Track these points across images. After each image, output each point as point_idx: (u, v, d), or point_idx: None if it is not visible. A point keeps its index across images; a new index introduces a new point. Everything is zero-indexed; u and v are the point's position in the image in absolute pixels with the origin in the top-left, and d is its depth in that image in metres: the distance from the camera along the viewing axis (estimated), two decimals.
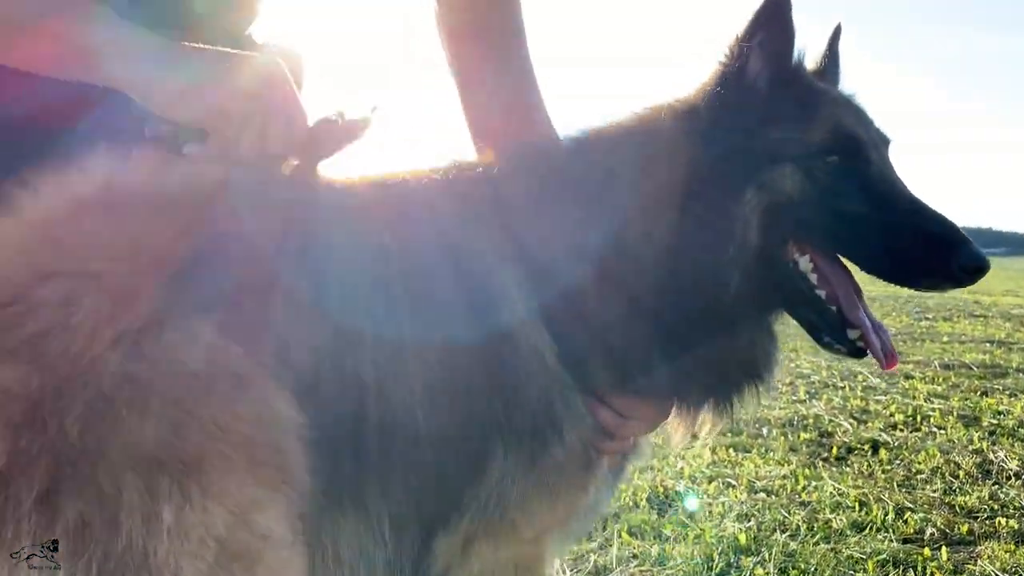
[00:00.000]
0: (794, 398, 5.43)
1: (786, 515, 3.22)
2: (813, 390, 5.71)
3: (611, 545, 2.91)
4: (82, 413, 0.84)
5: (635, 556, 2.84)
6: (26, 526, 0.82)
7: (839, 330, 1.21)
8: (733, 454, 4.10)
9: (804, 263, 1.21)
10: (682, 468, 3.81)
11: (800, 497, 3.45)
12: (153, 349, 0.90)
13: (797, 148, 1.20)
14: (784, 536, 3.00)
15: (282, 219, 1.12)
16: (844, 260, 1.25)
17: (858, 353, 1.22)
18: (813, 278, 1.22)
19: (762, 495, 3.47)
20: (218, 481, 0.88)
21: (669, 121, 1.29)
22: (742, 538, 2.95)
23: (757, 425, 4.75)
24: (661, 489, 3.49)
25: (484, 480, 1.21)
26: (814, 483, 3.63)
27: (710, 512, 3.27)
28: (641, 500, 3.36)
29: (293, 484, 0.95)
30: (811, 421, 4.80)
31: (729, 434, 4.50)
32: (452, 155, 1.36)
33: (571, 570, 2.72)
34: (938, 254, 1.15)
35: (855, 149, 1.22)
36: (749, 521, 3.16)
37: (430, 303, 1.16)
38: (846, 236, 1.20)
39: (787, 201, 1.19)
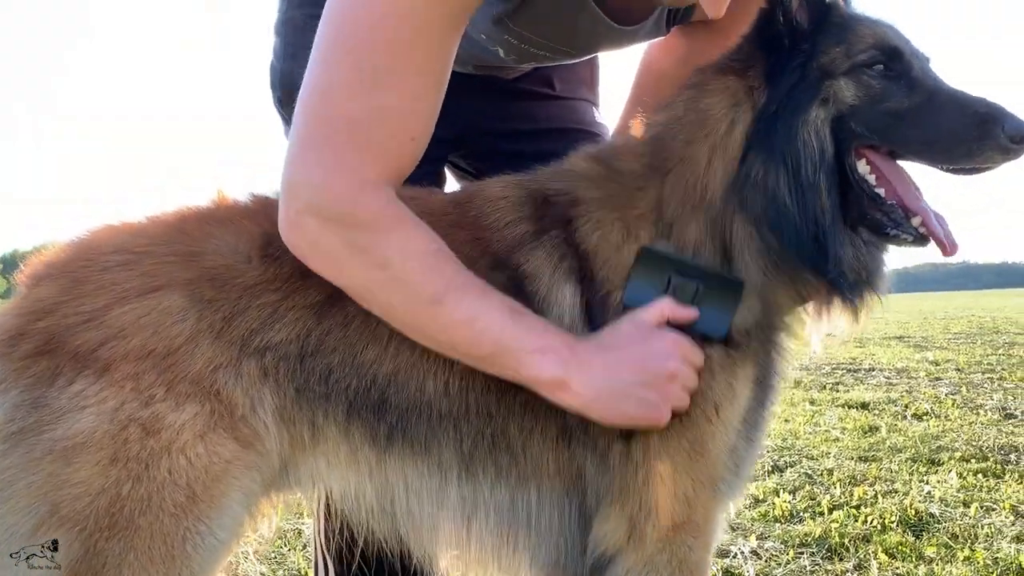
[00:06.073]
0: None
1: None
2: None
3: (868, 567, 2.72)
4: None
5: None
6: None
7: (903, 220, 1.31)
8: (983, 479, 3.76)
9: (862, 167, 1.33)
10: (930, 492, 3.52)
11: None
12: None
13: (845, 64, 1.32)
14: None
15: None
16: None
17: (922, 240, 1.31)
18: (872, 179, 1.33)
19: None
20: None
21: (720, 77, 1.38)
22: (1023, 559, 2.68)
23: (1003, 451, 4.33)
24: (912, 512, 3.23)
25: None
26: None
27: (975, 535, 2.99)
28: (890, 523, 3.13)
29: None
30: None
31: (973, 460, 4.14)
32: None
33: None
34: (984, 127, 1.23)
35: (897, 56, 1.33)
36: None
37: None
38: (902, 130, 1.30)
39: (848, 110, 1.31)
